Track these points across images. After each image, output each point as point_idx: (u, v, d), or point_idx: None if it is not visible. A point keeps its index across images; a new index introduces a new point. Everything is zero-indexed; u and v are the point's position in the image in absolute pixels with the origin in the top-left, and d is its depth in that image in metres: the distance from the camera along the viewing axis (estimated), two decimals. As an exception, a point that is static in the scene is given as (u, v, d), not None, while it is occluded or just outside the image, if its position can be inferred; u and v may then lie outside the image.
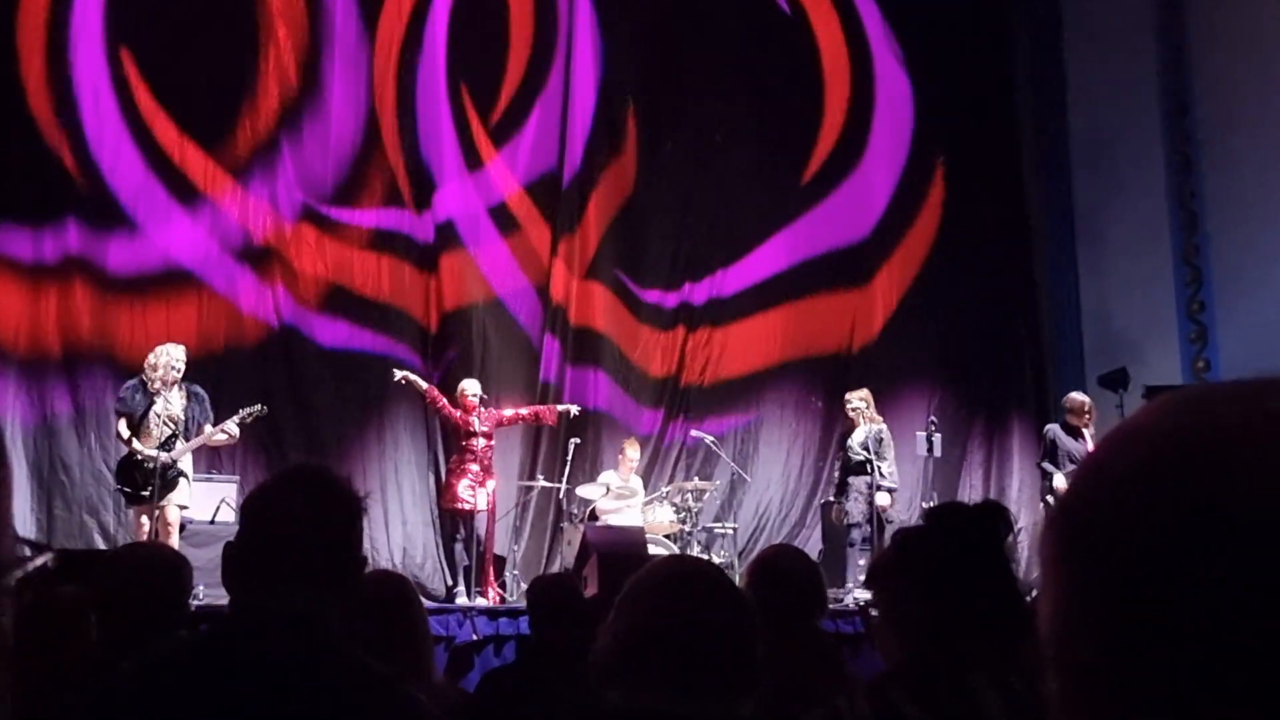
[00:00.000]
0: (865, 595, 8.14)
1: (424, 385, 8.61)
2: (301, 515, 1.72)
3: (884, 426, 8.92)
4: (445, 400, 8.61)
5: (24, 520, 8.01)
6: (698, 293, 10.68)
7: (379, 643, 2.18)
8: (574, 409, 9.08)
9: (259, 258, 9.31)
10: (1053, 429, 8.78)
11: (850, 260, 10.98)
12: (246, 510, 1.77)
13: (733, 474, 10.08)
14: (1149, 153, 10.75)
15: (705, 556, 8.93)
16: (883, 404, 9.43)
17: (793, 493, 10.45)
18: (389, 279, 9.67)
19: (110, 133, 9.00)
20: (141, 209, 9.01)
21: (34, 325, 8.66)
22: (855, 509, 8.61)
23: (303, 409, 9.19)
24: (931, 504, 9.19)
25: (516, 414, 8.95)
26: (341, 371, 9.37)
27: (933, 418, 9.57)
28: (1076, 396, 8.82)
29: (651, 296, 10.53)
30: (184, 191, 9.15)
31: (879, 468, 8.71)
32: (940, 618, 1.64)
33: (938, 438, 9.26)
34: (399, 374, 8.57)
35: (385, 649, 2.17)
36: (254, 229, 9.31)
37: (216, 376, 8.33)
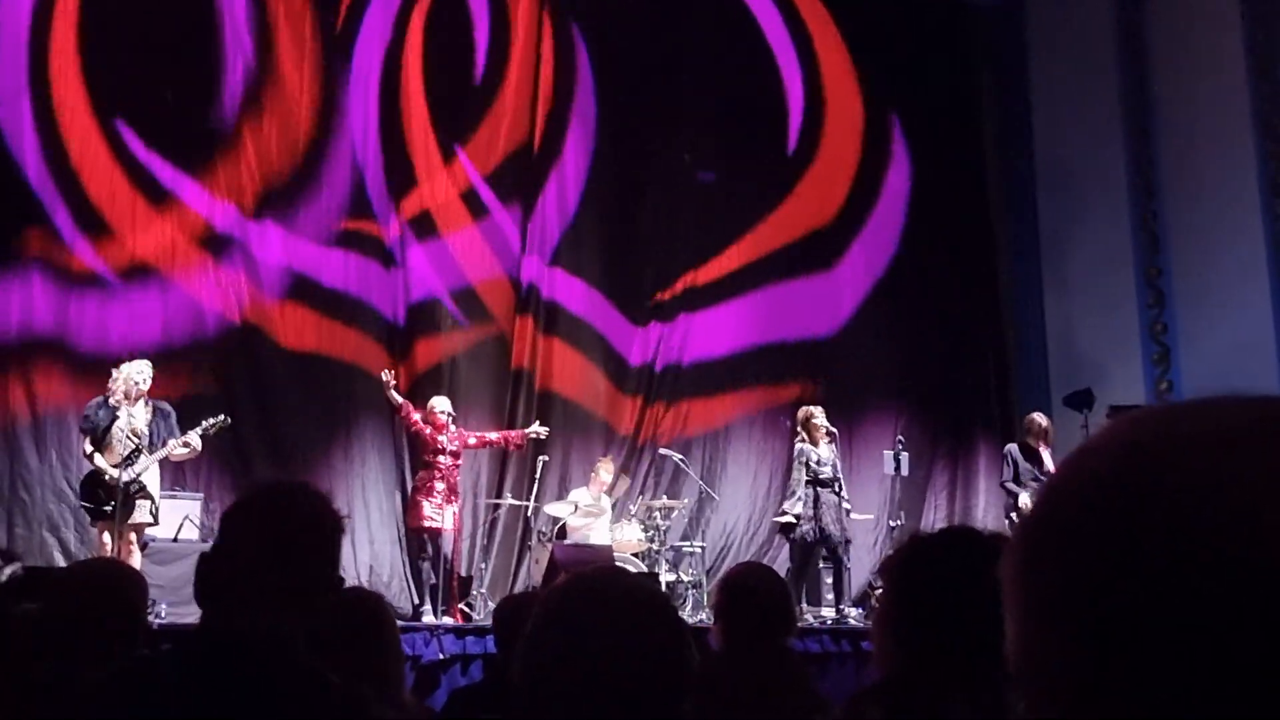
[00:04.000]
0: (831, 614, 8.07)
1: (399, 399, 8.57)
2: (280, 531, 1.69)
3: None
4: (418, 415, 8.55)
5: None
6: (668, 292, 10.62)
7: (349, 661, 2.15)
8: (542, 431, 9.05)
9: (222, 250, 9.18)
10: (1012, 448, 8.87)
11: (814, 249, 10.97)
12: (225, 523, 1.75)
13: (701, 492, 10.08)
14: (1112, 176, 10.90)
15: (674, 574, 8.93)
16: (849, 424, 9.47)
17: (760, 510, 10.45)
18: (355, 275, 9.61)
19: (76, 134, 8.84)
20: (107, 209, 8.89)
21: None
22: (830, 525, 8.59)
23: (268, 420, 9.10)
24: (899, 523, 9.24)
25: (484, 438, 8.93)
26: (307, 377, 9.30)
27: (900, 436, 9.61)
28: (1035, 417, 8.92)
29: (614, 332, 10.47)
30: (150, 191, 9.04)
31: (843, 485, 8.77)
32: (929, 639, 1.62)
33: (905, 456, 9.31)
34: (387, 375, 8.55)
35: (355, 668, 2.14)
36: (217, 222, 9.21)
37: (176, 379, 8.28)
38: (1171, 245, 10.57)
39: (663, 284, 10.60)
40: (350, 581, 8.58)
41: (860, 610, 8.74)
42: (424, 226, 9.89)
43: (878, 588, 1.73)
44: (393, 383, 8.59)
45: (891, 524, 9.46)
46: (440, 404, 8.65)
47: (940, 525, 7.43)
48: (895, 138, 11.43)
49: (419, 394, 9.14)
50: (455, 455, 8.55)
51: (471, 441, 8.79)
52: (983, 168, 11.84)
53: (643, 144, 10.65)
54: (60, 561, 7.97)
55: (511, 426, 9.49)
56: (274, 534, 1.70)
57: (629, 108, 10.58)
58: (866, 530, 10.14)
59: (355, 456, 9.44)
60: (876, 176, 11.31)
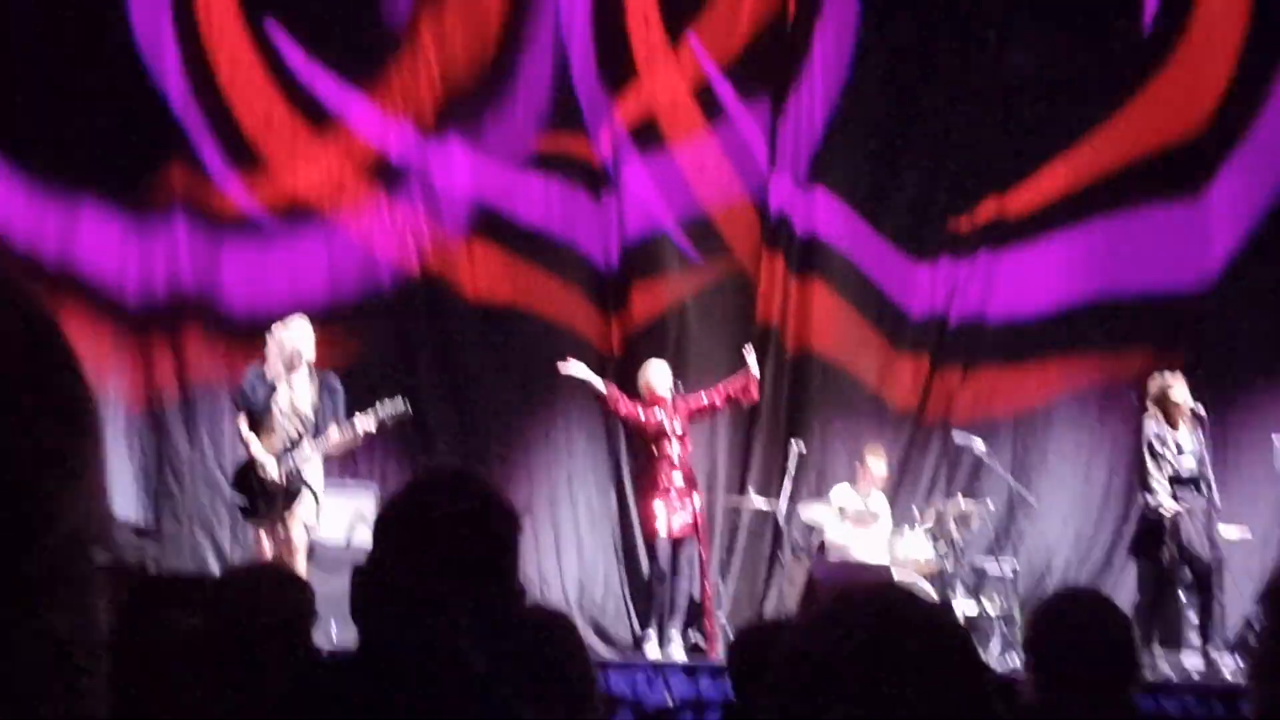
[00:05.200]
0: (1196, 662, 7.73)
1: (599, 385, 8.71)
2: (445, 534, 1.77)
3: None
4: (626, 399, 8.71)
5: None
6: (965, 220, 10.47)
7: (539, 701, 2.23)
8: (753, 359, 8.89)
9: (396, 182, 9.67)
10: None
11: (1174, 169, 10.44)
12: (379, 527, 1.85)
13: (1011, 493, 9.83)
14: None
15: (974, 605, 8.79)
16: (1219, 407, 9.03)
17: (1095, 521, 10.12)
18: (558, 207, 9.91)
19: (225, 43, 9.47)
20: (260, 137, 9.51)
21: (141, 276, 9.28)
22: (1194, 540, 8.22)
23: (456, 395, 9.53)
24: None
25: (709, 401, 8.89)
26: (501, 340, 9.68)
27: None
28: None
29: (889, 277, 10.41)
30: (311, 111, 9.59)
31: (1212, 486, 8.36)
32: None
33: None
34: (567, 366, 8.73)
35: (546, 710, 2.22)
36: (391, 147, 9.69)
37: (347, 344, 8.78)
38: None
39: (958, 208, 10.38)
40: (555, 600, 9.00)
41: (1237, 657, 8.34)
42: (645, 136, 10.07)
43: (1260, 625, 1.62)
44: (574, 374, 8.72)
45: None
46: (657, 374, 8.74)
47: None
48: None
49: (636, 360, 9.33)
50: (684, 438, 8.67)
51: (699, 403, 8.80)
52: None
53: (929, 18, 10.40)
54: (213, 565, 8.63)
55: (759, 401, 9.39)
56: (437, 536, 1.77)
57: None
58: (1247, 551, 9.64)
59: (559, 442, 9.75)
60: (1266, 69, 10.57)
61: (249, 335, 8.70)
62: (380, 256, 9.61)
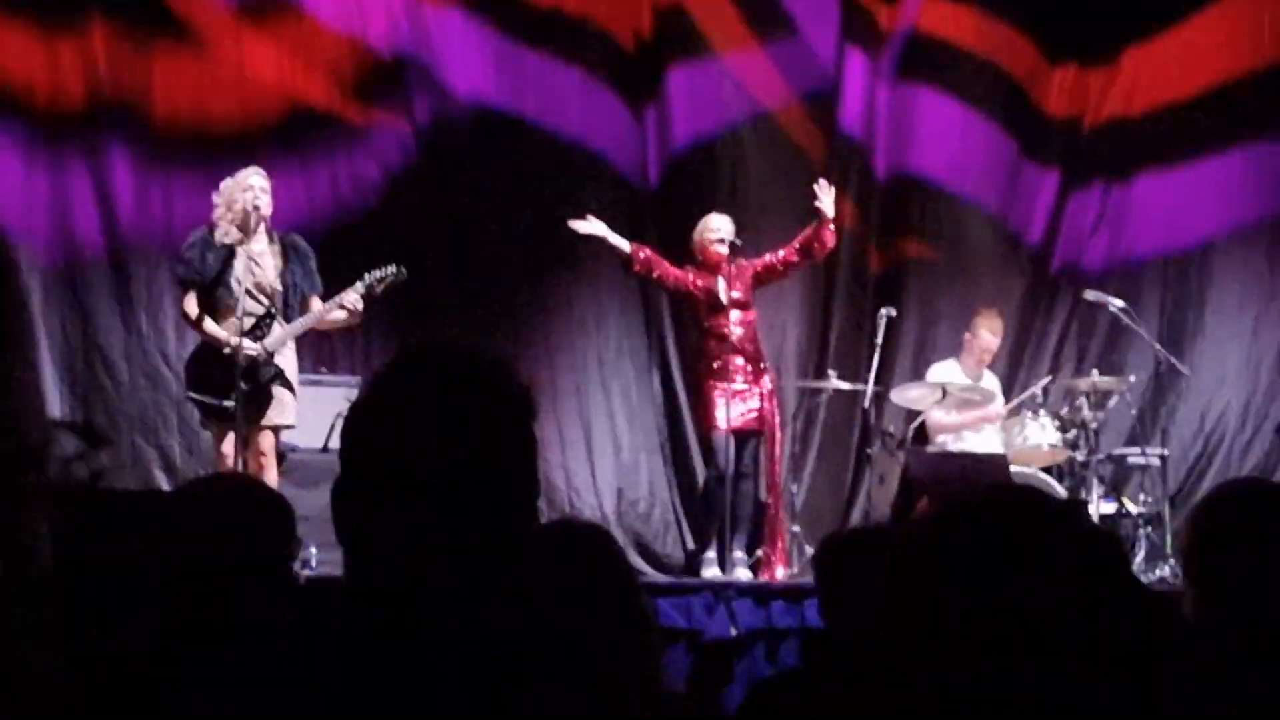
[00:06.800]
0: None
1: (626, 246, 8.71)
2: (437, 424, 1.76)
3: None
4: (666, 261, 8.74)
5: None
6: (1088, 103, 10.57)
7: (575, 637, 2.26)
8: (829, 201, 8.80)
9: (386, 77, 9.69)
10: None
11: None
12: (352, 423, 1.83)
13: (1159, 363, 9.83)
14: None
15: (1113, 504, 8.87)
16: None
17: (1266, 395, 10.16)
18: (578, 99, 9.99)
19: None
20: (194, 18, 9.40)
21: (54, 200, 9.13)
22: None
23: (457, 267, 9.51)
24: None
25: (775, 258, 8.86)
26: (513, 209, 9.68)
27: None
28: None
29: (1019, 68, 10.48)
30: None
31: None
32: None
33: None
34: (581, 225, 8.73)
35: (584, 647, 2.25)
36: (373, 30, 9.67)
37: (330, 231, 8.85)
38: None
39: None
40: (587, 511, 9.11)
41: None
42: None
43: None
44: (588, 233, 8.72)
45: None
46: (718, 224, 8.75)
47: None
48: None
49: (680, 197, 9.46)
50: (747, 307, 8.71)
51: (764, 261, 8.82)
52: None
53: None
54: (161, 481, 8.75)
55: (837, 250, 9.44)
56: (429, 430, 1.76)
57: None
58: None
59: (586, 317, 9.84)
60: None
61: (188, 162, 8.83)
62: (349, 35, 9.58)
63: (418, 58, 9.69)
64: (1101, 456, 9.12)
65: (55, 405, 8.74)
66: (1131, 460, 9.38)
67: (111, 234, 9.18)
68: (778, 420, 8.97)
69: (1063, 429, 9.05)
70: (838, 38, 10.26)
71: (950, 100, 10.44)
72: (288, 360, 7.73)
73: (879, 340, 9.27)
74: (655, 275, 8.76)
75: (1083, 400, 9.08)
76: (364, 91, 9.67)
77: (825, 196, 8.72)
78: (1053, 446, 9.00)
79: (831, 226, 8.78)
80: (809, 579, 6.96)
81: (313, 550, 6.86)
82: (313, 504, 7.28)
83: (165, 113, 9.30)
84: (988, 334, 9.24)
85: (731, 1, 10.19)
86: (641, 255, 8.73)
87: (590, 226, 8.72)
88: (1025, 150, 10.53)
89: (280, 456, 7.72)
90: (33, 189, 9.10)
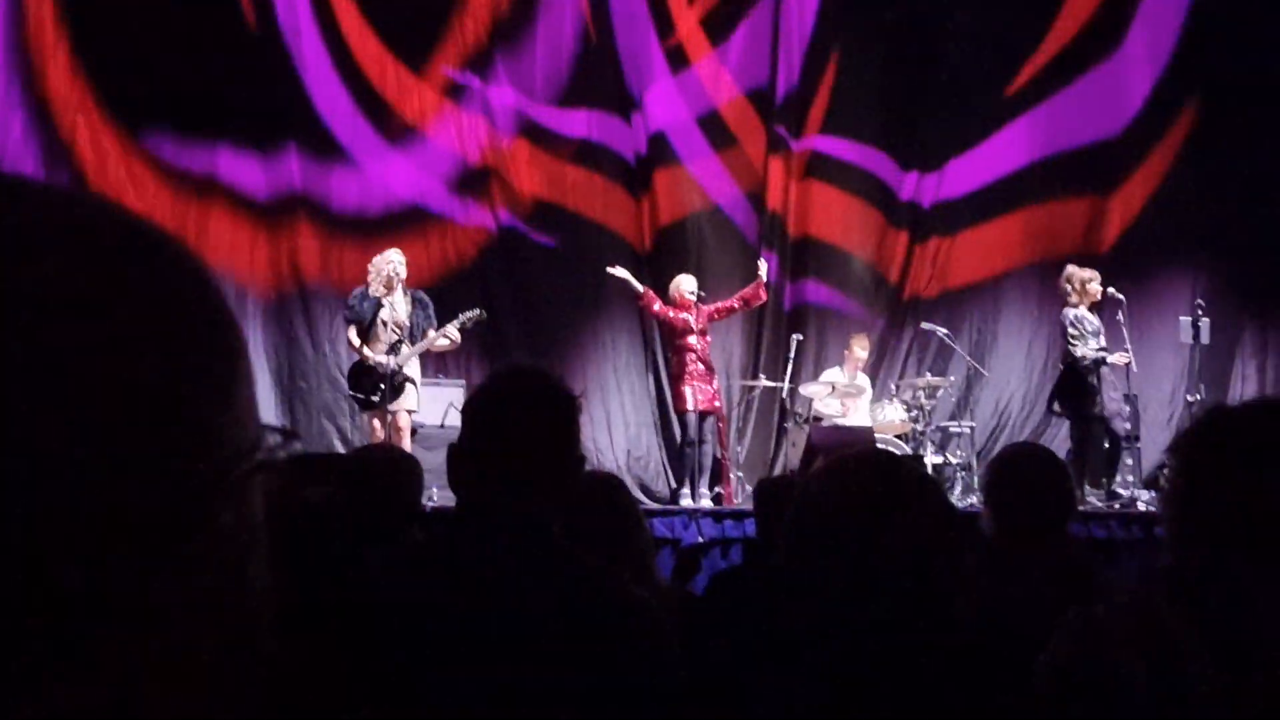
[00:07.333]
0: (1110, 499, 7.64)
1: (639, 287, 8.67)
2: (520, 416, 1.79)
3: None
4: (660, 301, 8.69)
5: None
6: (926, 191, 10.43)
7: (600, 544, 2.26)
8: (761, 268, 8.94)
9: (476, 181, 9.63)
10: None
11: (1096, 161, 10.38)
12: (467, 413, 1.86)
13: (969, 369, 9.82)
14: None
15: (940, 457, 8.82)
16: (1137, 288, 8.96)
17: (1037, 387, 10.10)
18: (600, 198, 9.89)
19: (313, 58, 9.26)
20: (357, 146, 9.38)
21: (270, 263, 9.17)
22: (1110, 401, 8.16)
23: (523, 310, 9.51)
24: (1198, 398, 8.67)
25: (724, 305, 8.83)
26: (559, 272, 9.64)
27: (1200, 301, 8.97)
28: None
29: (883, 172, 10.36)
30: (395, 127, 9.48)
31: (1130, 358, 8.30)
32: (1225, 521, 1.49)
33: (1205, 323, 8.67)
34: (615, 270, 8.70)
35: (607, 550, 2.26)
36: (470, 150, 9.64)
37: (440, 287, 8.71)
38: None
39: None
40: (609, 465, 9.08)
41: (1152, 493, 8.34)
42: (669, 142, 10.04)
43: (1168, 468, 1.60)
44: (619, 275, 8.68)
45: (1189, 399, 8.90)
46: (686, 283, 8.70)
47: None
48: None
49: (664, 261, 9.35)
50: (704, 333, 8.66)
51: (716, 307, 8.74)
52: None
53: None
54: (339, 447, 8.72)
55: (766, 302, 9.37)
56: (514, 418, 1.79)
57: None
58: (1161, 405, 9.62)
59: (607, 341, 9.76)
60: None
61: (353, 239, 8.85)
62: (463, 225, 9.59)
63: (499, 171, 9.63)
64: (933, 428, 9.07)
65: (269, 405, 8.77)
66: (952, 430, 9.31)
67: (302, 285, 9.18)
68: (723, 405, 8.93)
69: (908, 410, 9.01)
70: (764, 154, 10.15)
71: (837, 191, 10.31)
72: (414, 369, 7.68)
73: (791, 355, 9.21)
74: (653, 309, 8.68)
75: (921, 392, 9.03)
76: (462, 191, 9.62)
77: (763, 268, 8.76)
78: (902, 421, 8.95)
79: (764, 289, 8.79)
80: (749, 506, 6.94)
81: (434, 491, 6.82)
82: (434, 461, 7.27)
83: (338, 206, 9.28)
84: (860, 350, 9.17)
85: (697, 127, 10.09)
86: (646, 294, 8.66)
87: (620, 271, 8.67)
88: (887, 220, 10.39)
89: (412, 431, 7.67)
90: (256, 253, 9.13)
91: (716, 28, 10.15)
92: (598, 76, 9.85)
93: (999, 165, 10.42)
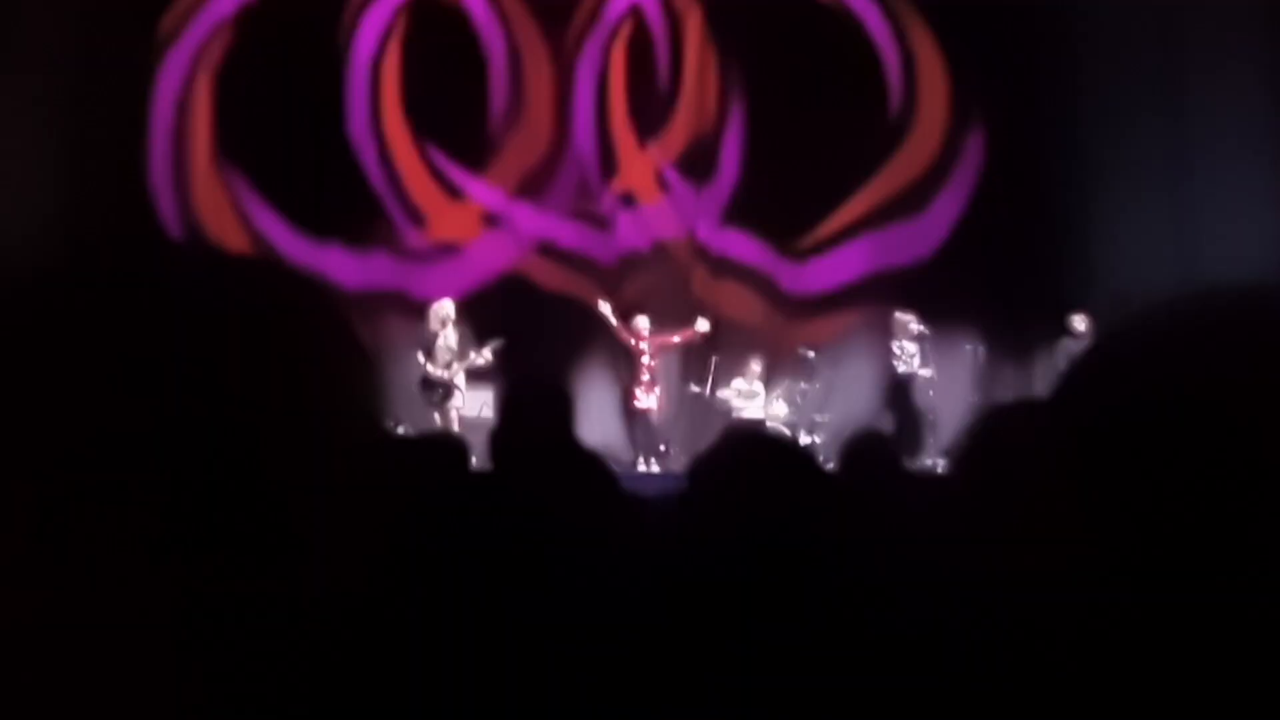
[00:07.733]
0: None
1: (615, 322, 9.01)
2: (534, 409, 2.13)
3: None
4: (623, 330, 8.97)
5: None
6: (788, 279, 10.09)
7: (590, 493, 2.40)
8: (706, 325, 9.18)
9: (494, 224, 9.50)
10: None
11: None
12: (501, 409, 2.20)
13: (826, 380, 9.62)
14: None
15: (809, 438, 9.06)
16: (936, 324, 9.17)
17: (867, 397, 9.73)
18: (589, 237, 9.71)
19: (402, 154, 9.36)
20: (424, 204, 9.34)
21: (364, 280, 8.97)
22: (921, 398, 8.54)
23: (536, 343, 9.39)
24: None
25: (670, 339, 9.14)
26: (560, 316, 9.69)
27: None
28: None
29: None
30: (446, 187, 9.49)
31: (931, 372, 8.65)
32: None
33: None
34: (601, 305, 8.92)
35: (595, 496, 2.35)
36: (492, 206, 9.51)
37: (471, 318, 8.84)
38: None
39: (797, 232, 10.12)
40: (593, 447, 9.25)
41: (946, 462, 8.56)
42: (628, 201, 9.95)
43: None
44: (609, 312, 9.01)
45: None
46: (641, 321, 9.06)
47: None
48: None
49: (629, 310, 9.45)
50: (653, 355, 9.01)
51: (665, 340, 9.02)
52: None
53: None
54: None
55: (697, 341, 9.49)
56: (530, 412, 2.05)
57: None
58: (953, 402, 9.25)
59: (592, 361, 9.76)
60: (963, 127, 10.03)
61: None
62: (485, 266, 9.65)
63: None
64: (805, 418, 9.25)
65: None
66: (817, 420, 9.39)
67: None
68: (664, 406, 9.17)
69: (787, 407, 9.28)
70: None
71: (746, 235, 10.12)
72: (460, 380, 8.10)
73: (711, 370, 9.38)
74: (621, 337, 8.99)
75: (796, 394, 9.29)
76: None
77: (700, 321, 9.07)
78: (784, 414, 9.20)
79: (696, 333, 9.07)
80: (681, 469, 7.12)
81: (473, 461, 7.06)
82: (475, 442, 7.60)
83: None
84: (755, 366, 9.33)
85: (654, 183, 9.86)
86: (620, 330, 8.93)
87: (603, 307, 8.98)
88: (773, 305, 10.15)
89: (460, 422, 8.03)
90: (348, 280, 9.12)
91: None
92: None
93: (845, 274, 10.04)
